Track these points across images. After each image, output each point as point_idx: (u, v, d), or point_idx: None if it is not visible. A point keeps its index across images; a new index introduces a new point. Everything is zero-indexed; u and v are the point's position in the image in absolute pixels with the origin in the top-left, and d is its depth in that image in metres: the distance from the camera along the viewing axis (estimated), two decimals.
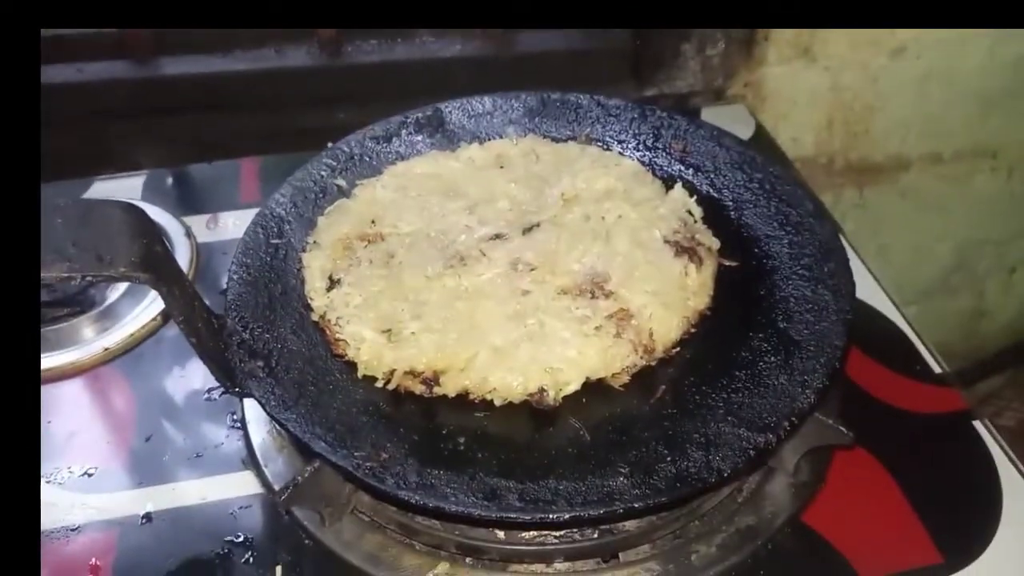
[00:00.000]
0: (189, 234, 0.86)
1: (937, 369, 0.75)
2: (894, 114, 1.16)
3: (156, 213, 0.88)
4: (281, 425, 0.58)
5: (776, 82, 1.10)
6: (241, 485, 0.66)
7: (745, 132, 1.02)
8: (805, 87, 1.11)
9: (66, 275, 0.49)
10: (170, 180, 0.94)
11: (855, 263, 0.78)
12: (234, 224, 0.88)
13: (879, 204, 1.25)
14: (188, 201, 0.91)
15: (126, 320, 0.77)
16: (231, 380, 0.60)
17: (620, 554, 0.60)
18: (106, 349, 0.75)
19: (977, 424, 0.70)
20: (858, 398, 0.71)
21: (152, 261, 0.53)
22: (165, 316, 0.77)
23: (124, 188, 0.92)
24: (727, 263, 0.71)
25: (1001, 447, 0.68)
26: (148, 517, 0.64)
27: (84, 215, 0.54)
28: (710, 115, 1.05)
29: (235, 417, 0.70)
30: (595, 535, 0.59)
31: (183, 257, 0.83)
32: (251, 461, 0.67)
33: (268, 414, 0.59)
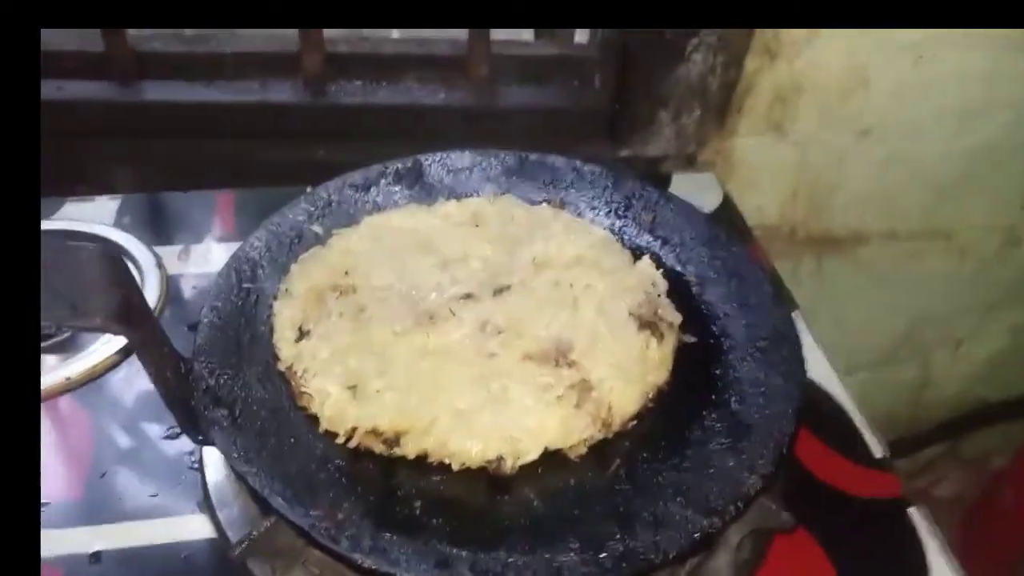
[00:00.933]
0: (160, 265, 0.86)
1: (878, 453, 0.78)
2: (856, 191, 1.21)
3: (128, 241, 0.88)
4: (240, 478, 0.59)
5: (746, 152, 1.14)
6: (195, 529, 0.66)
7: (713, 201, 1.05)
8: (774, 159, 1.15)
9: (42, 323, 0.50)
10: (144, 207, 0.94)
11: (807, 339, 0.81)
12: (205, 258, 0.89)
13: (836, 274, 1.30)
14: (161, 231, 0.91)
15: (89, 350, 0.77)
16: (195, 429, 0.61)
17: None
18: (67, 379, 0.75)
19: (912, 511, 0.73)
20: (801, 478, 0.74)
21: (127, 314, 0.53)
22: (129, 350, 0.77)
23: (96, 212, 0.92)
24: (686, 339, 0.74)
25: (934, 535, 0.71)
26: (97, 557, 0.64)
27: (58, 258, 0.54)
28: (681, 181, 1.08)
29: (193, 458, 0.70)
30: None
31: (153, 288, 0.83)
32: (206, 505, 0.67)
33: (229, 466, 0.59)
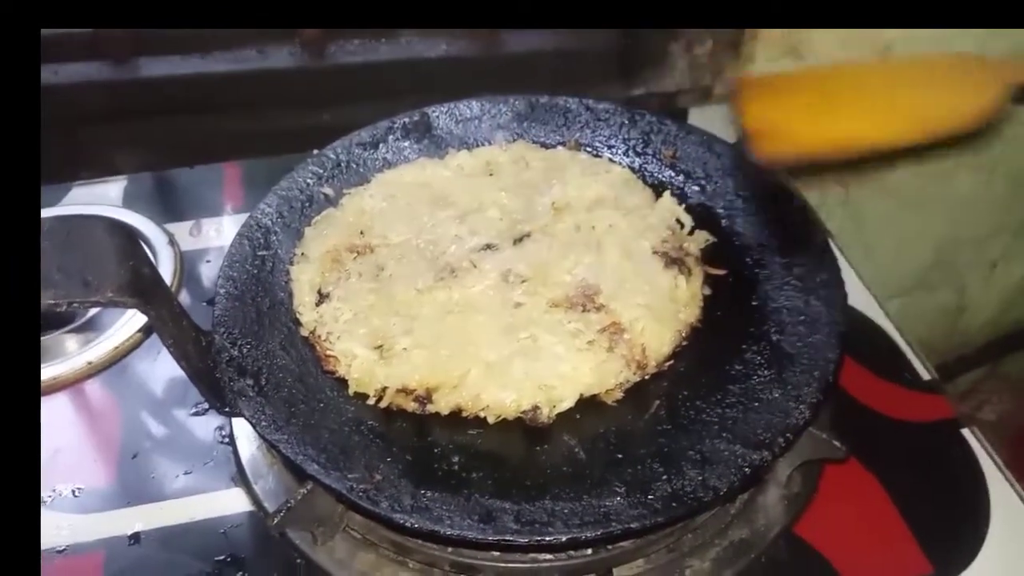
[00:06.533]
0: (172, 242, 0.85)
1: (926, 376, 0.75)
2: None
3: (138, 221, 0.86)
4: (273, 446, 0.57)
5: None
6: (231, 503, 0.65)
7: (733, 134, 1.01)
8: None
9: (52, 302, 0.48)
10: (151, 186, 0.93)
11: (843, 267, 0.78)
12: (218, 231, 0.87)
13: (864, 202, 1.26)
14: (170, 207, 0.90)
15: (110, 332, 0.76)
16: (221, 401, 0.59)
17: (614, 569, 0.60)
18: (89, 363, 0.74)
19: (965, 432, 0.70)
20: (848, 407, 0.71)
21: (139, 285, 0.51)
22: (149, 329, 0.75)
23: (104, 194, 0.91)
24: (714, 272, 0.71)
25: (989, 455, 0.69)
26: (136, 537, 0.63)
27: (68, 236, 0.53)
28: (698, 115, 1.05)
29: (223, 432, 0.69)
30: (590, 552, 0.59)
31: (167, 266, 0.81)
32: (241, 478, 0.66)
33: (259, 435, 0.58)
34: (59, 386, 0.73)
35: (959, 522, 0.65)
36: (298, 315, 0.67)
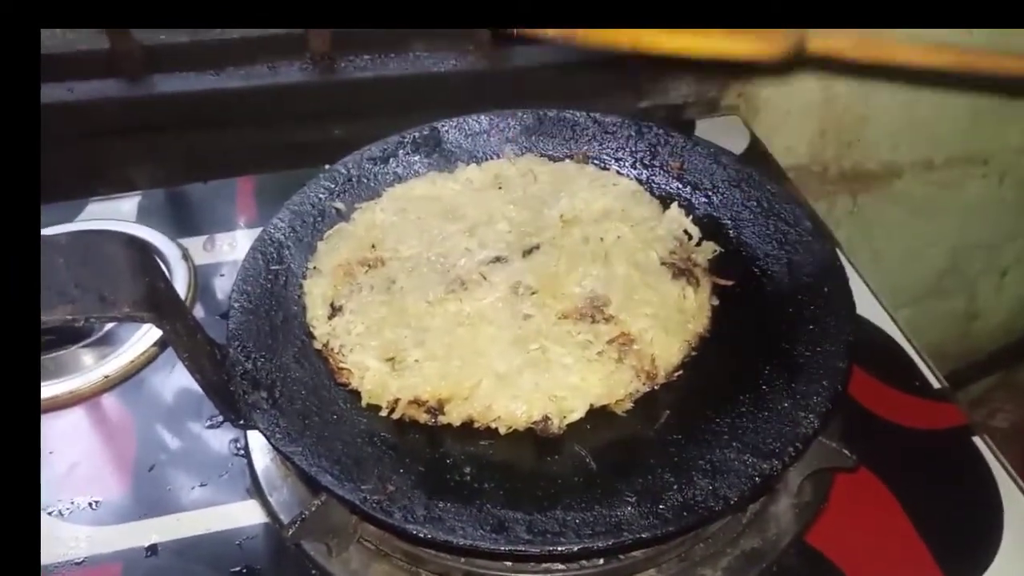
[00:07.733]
0: (186, 256, 0.86)
1: (936, 384, 0.75)
2: (886, 122, 1.17)
3: (152, 236, 0.87)
4: (287, 458, 0.58)
5: (769, 93, 1.10)
6: (246, 515, 0.66)
7: (740, 144, 1.02)
8: (798, 97, 1.11)
9: (70, 317, 0.49)
10: (165, 201, 0.94)
11: (852, 276, 0.78)
12: (231, 245, 0.88)
13: (872, 210, 1.26)
14: (184, 222, 0.91)
15: (125, 347, 0.77)
16: (235, 413, 0.60)
17: None
18: (106, 377, 0.75)
19: (977, 440, 0.70)
20: (858, 415, 0.72)
21: (155, 299, 0.52)
22: (165, 343, 0.76)
23: (119, 210, 0.92)
24: (722, 282, 0.71)
25: (1001, 463, 0.69)
26: (153, 549, 0.64)
27: (84, 252, 0.54)
28: (705, 127, 1.05)
29: (238, 445, 0.70)
30: (602, 561, 0.59)
31: (181, 281, 0.82)
32: (256, 490, 0.67)
33: (273, 447, 0.59)
34: (76, 400, 0.74)
35: (971, 531, 0.65)
36: (311, 328, 0.68)
